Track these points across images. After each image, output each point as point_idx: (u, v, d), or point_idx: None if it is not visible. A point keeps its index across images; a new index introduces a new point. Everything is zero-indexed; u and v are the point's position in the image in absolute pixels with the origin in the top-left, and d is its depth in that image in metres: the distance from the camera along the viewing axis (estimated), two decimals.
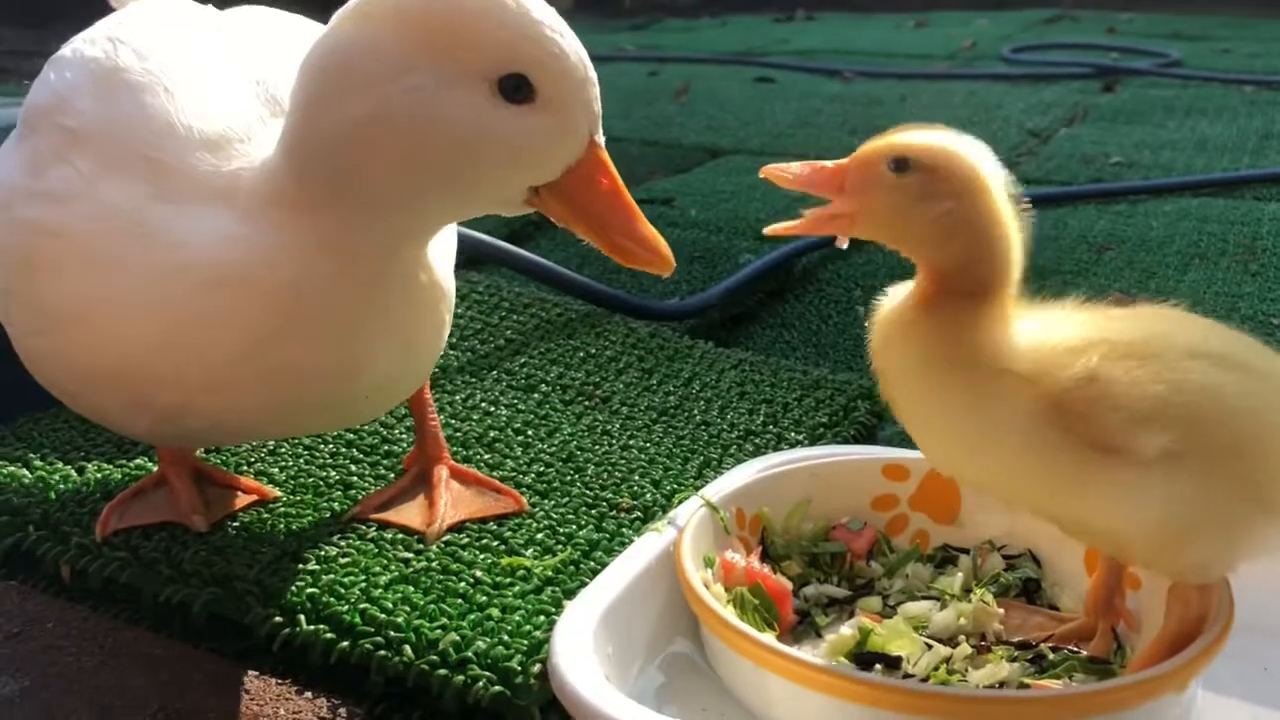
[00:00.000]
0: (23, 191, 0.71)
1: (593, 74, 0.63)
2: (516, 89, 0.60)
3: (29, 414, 0.98)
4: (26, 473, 0.88)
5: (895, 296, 0.65)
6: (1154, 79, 2.98)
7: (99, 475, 0.88)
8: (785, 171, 0.64)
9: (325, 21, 0.66)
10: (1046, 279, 1.47)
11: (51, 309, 0.70)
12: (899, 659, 0.67)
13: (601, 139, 0.64)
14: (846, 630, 0.69)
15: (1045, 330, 0.62)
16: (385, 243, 0.66)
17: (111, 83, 0.71)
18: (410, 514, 0.84)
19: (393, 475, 0.90)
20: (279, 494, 0.87)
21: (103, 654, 0.73)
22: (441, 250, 0.76)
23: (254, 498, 0.86)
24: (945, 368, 0.62)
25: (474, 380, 1.07)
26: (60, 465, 0.89)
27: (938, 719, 0.58)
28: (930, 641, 0.69)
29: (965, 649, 0.68)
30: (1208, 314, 1.28)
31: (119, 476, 0.89)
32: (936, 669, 0.67)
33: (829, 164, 0.64)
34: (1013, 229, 0.63)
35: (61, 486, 0.86)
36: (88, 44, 0.75)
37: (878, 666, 0.66)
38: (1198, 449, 0.58)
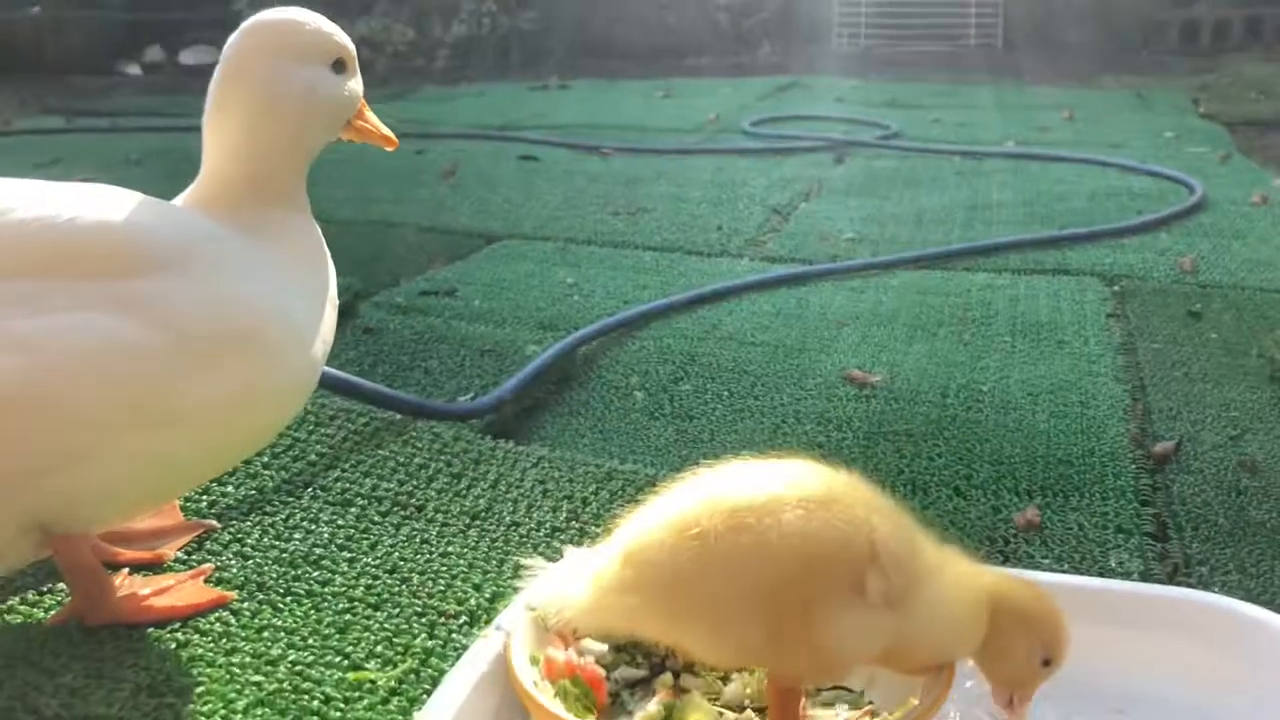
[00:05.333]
0: None
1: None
2: (341, 66, 0.99)
3: None
4: None
5: None
6: (877, 151, 3.31)
7: None
8: None
9: None
10: (794, 357, 1.67)
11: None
12: None
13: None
14: (653, 708, 0.82)
15: None
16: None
17: None
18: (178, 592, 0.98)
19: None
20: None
21: None
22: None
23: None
24: None
25: (291, 500, 1.15)
26: None
27: None
28: (723, 710, 0.83)
29: (751, 716, 0.82)
30: (932, 386, 1.55)
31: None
32: None
33: None
34: None
35: None
36: None
37: None
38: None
